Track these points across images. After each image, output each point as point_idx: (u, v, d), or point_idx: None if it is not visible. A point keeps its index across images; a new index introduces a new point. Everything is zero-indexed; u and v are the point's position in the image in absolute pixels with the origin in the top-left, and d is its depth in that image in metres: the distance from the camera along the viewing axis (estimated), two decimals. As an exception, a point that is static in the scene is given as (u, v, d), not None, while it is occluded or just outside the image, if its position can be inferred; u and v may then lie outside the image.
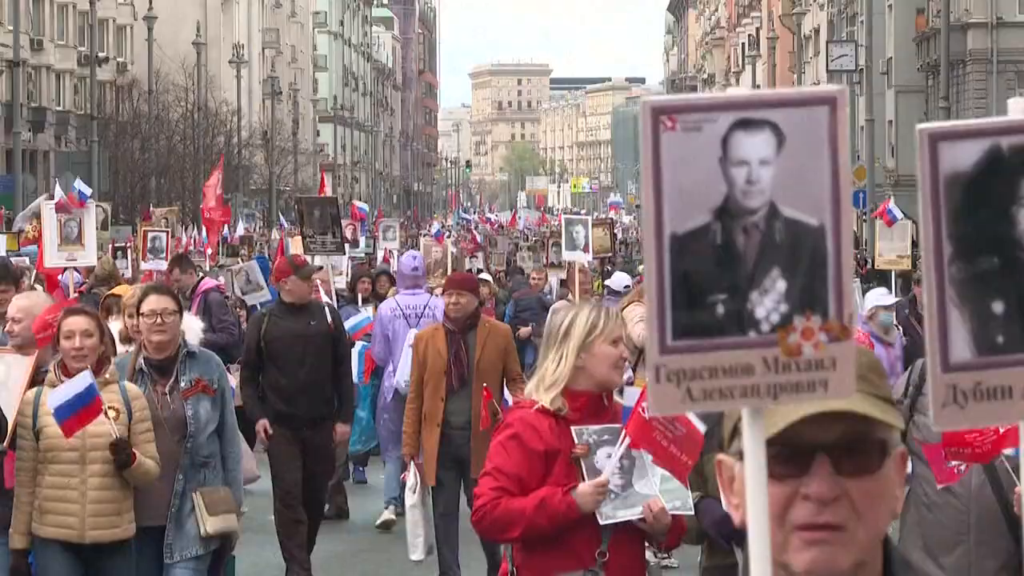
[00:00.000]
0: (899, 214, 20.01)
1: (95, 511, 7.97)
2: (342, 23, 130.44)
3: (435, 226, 47.88)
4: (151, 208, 32.91)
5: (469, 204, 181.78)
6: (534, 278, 22.57)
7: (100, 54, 64.17)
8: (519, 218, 78.21)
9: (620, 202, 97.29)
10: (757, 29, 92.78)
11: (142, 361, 8.61)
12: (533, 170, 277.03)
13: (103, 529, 8.00)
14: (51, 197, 16.60)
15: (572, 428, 5.78)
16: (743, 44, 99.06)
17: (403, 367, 12.98)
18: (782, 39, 78.63)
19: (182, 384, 8.58)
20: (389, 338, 13.59)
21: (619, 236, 52.23)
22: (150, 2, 67.77)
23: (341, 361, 12.03)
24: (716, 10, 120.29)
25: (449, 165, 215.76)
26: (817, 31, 78.54)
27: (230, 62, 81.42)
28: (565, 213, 27.39)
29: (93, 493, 7.97)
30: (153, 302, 8.57)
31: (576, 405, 5.92)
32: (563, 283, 20.17)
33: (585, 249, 19.42)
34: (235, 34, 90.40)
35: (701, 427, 5.62)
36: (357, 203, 33.59)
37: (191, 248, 31.98)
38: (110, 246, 26.28)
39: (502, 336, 11.31)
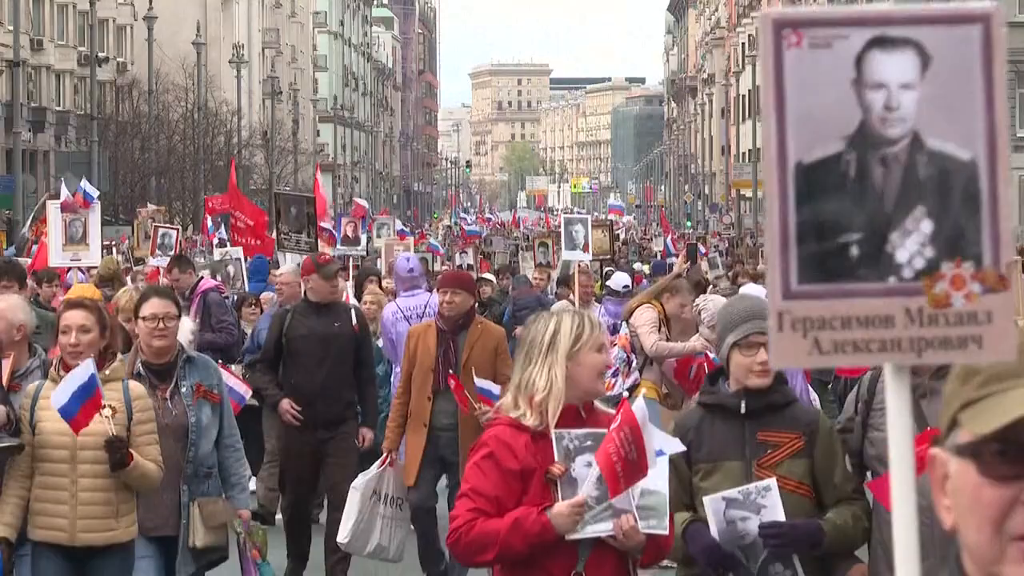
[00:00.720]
0: None
1: (86, 513, 7.55)
2: (342, 23, 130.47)
3: (442, 225, 47.64)
4: (139, 209, 31.84)
5: (469, 204, 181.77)
6: (536, 278, 22.09)
7: (100, 54, 64.19)
8: (519, 218, 78.26)
9: (620, 205, 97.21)
10: (757, 29, 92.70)
11: (139, 366, 8.28)
12: (533, 170, 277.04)
13: (96, 532, 7.57)
14: (53, 197, 16.64)
15: (553, 432, 5.49)
16: (743, 44, 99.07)
17: None
18: (782, 39, 78.56)
19: (183, 390, 8.28)
20: (394, 341, 13.58)
21: (621, 236, 52.20)
22: (150, 2, 67.79)
23: (365, 365, 11.72)
24: (716, 10, 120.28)
25: (449, 165, 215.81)
26: (817, 31, 78.55)
27: (230, 62, 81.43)
28: (565, 213, 27.08)
29: (85, 495, 7.54)
30: (154, 306, 8.26)
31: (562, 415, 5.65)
32: (560, 283, 20.01)
33: (585, 249, 19.37)
34: (235, 34, 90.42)
35: (657, 458, 5.39)
36: (359, 199, 32.95)
37: (196, 248, 31.91)
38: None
39: (494, 338, 11.09)
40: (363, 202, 30.61)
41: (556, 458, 5.46)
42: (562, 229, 20.00)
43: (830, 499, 5.95)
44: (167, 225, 21.42)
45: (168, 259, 18.35)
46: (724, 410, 5.97)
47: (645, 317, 12.46)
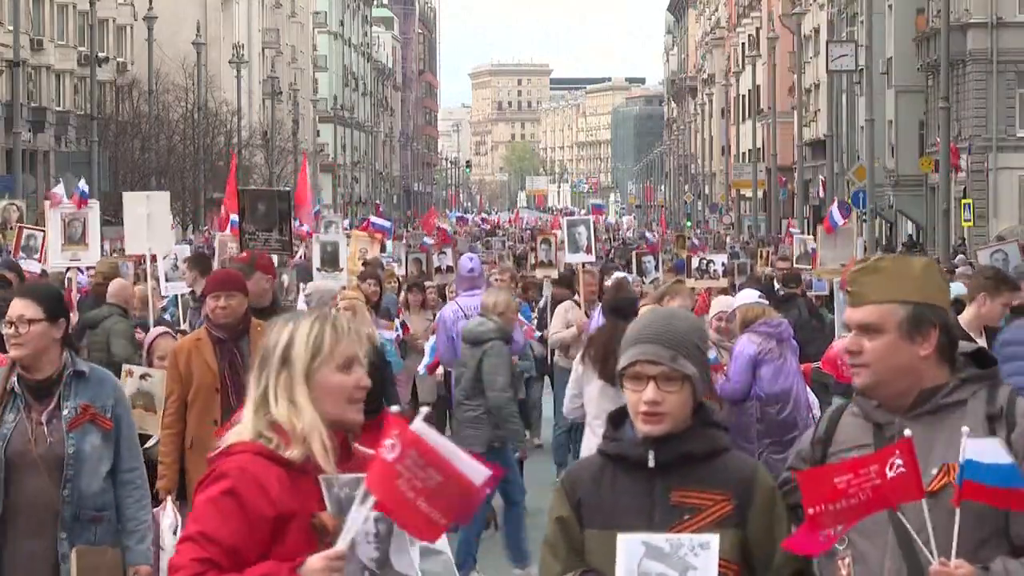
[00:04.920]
0: (839, 219, 18.66)
1: None
2: (342, 23, 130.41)
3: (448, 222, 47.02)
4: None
5: (469, 204, 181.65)
6: (498, 280, 20.13)
7: (100, 54, 64.15)
8: (521, 218, 78.34)
9: (602, 204, 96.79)
10: (757, 29, 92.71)
11: (15, 381, 6.77)
12: (533, 170, 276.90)
13: None
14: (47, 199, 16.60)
15: (321, 479, 4.28)
16: (743, 44, 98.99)
17: None
18: (782, 39, 78.59)
19: (64, 412, 6.72)
20: (454, 340, 13.64)
21: (621, 236, 52.17)
22: (150, 2, 67.75)
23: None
24: (716, 10, 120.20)
25: (449, 165, 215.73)
26: (817, 31, 78.50)
27: (230, 62, 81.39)
28: (566, 215, 26.72)
29: None
30: (13, 308, 6.76)
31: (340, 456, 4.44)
32: (555, 283, 19.82)
33: (588, 251, 19.29)
34: (235, 34, 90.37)
35: (478, 473, 4.19)
36: (371, 219, 32.39)
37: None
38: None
39: None
40: (381, 208, 29.62)
41: (328, 511, 4.30)
42: (565, 231, 19.88)
43: None
44: (32, 227, 19.65)
45: (32, 262, 16.74)
46: (628, 462, 4.54)
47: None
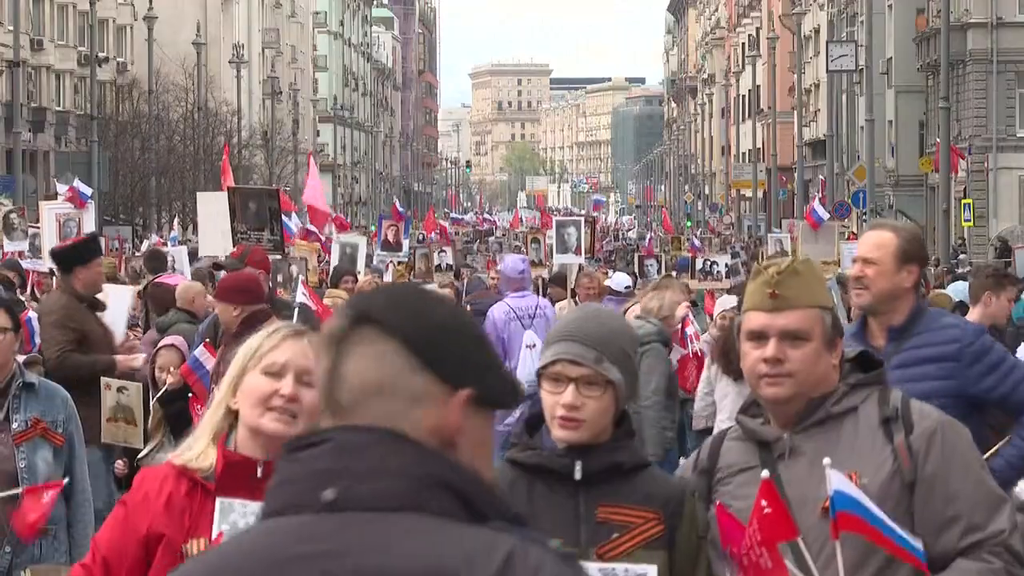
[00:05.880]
0: (824, 215, 18.75)
1: None
2: (342, 23, 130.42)
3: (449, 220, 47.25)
4: None
5: (469, 204, 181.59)
6: (492, 278, 20.30)
7: (100, 54, 64.14)
8: (521, 218, 78.23)
9: (602, 200, 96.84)
10: (757, 29, 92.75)
11: None
12: (533, 170, 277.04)
13: None
14: (49, 198, 16.58)
15: (218, 501, 3.92)
16: (743, 44, 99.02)
17: (522, 368, 13.05)
18: (782, 39, 78.60)
19: (14, 425, 6.45)
20: (504, 340, 13.64)
21: (623, 237, 52.19)
22: (150, 2, 67.74)
23: None
24: (716, 10, 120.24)
25: (449, 165, 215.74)
26: (817, 31, 78.51)
27: (230, 62, 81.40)
28: (557, 214, 26.36)
29: None
30: None
31: (227, 471, 4.09)
32: (553, 282, 19.69)
33: (577, 251, 19.07)
34: (235, 34, 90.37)
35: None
36: (396, 202, 32.02)
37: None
38: None
39: None
40: (399, 204, 29.45)
41: (214, 534, 3.88)
42: (554, 231, 19.60)
43: None
44: (32, 224, 19.23)
45: (39, 261, 16.31)
46: (549, 474, 4.07)
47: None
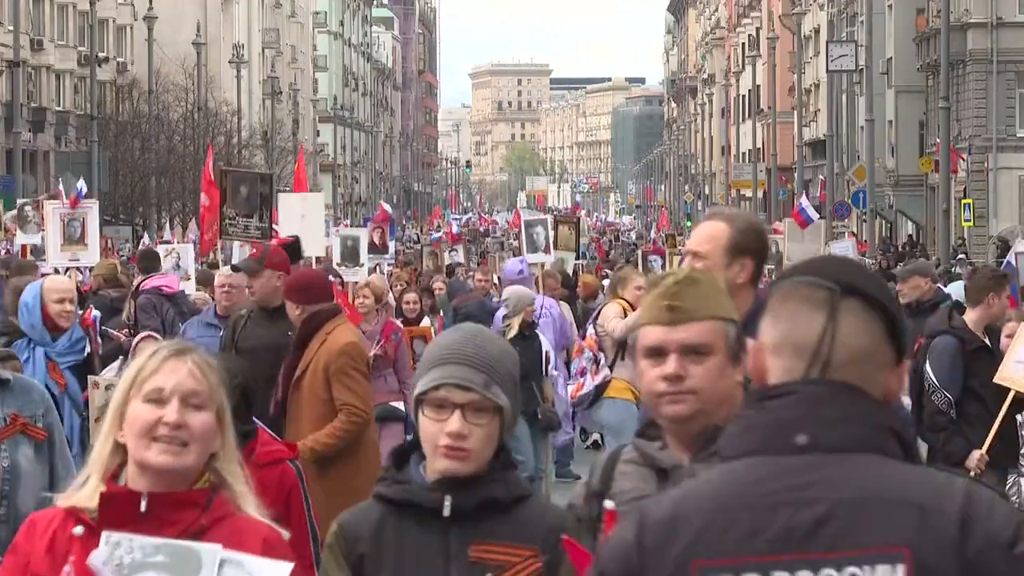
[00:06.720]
0: (813, 214, 18.62)
1: None
2: (342, 23, 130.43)
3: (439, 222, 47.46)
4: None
5: (469, 204, 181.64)
6: (479, 280, 20.08)
7: (100, 54, 64.16)
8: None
9: (578, 200, 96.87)
10: (757, 29, 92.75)
11: None
12: (533, 170, 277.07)
13: None
14: (51, 198, 16.59)
15: (104, 535, 3.38)
16: (743, 44, 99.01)
17: None
18: (782, 39, 78.59)
19: None
20: None
21: (623, 235, 52.21)
22: (150, 2, 67.75)
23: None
24: (716, 10, 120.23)
25: (449, 165, 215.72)
26: (817, 31, 78.52)
27: (230, 62, 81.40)
28: (524, 215, 26.27)
29: None
30: None
31: (106, 506, 3.66)
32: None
33: (546, 250, 19.21)
34: (235, 34, 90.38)
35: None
36: (384, 204, 32.13)
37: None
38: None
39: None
40: (387, 206, 29.56)
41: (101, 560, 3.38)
42: (522, 232, 19.68)
43: None
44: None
45: (42, 262, 16.09)
46: (417, 510, 3.81)
47: (608, 312, 12.69)
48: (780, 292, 2.78)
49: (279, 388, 8.56)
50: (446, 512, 3.75)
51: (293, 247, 10.59)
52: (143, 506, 3.59)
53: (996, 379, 9.41)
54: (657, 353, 3.73)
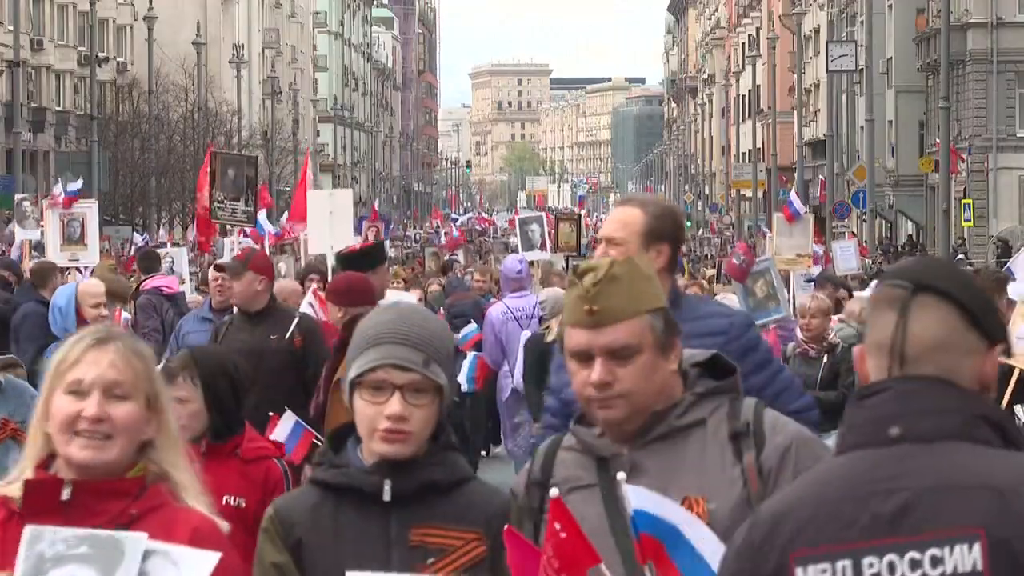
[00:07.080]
0: (801, 208, 18.75)
1: None
2: (342, 23, 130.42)
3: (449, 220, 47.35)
4: None
5: (469, 204, 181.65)
6: (477, 280, 19.66)
7: (100, 54, 64.15)
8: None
9: (582, 195, 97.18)
10: (757, 29, 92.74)
11: None
12: (533, 170, 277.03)
13: None
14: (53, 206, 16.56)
15: (26, 528, 3.22)
16: (743, 44, 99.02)
17: (519, 367, 13.20)
18: (782, 39, 78.60)
19: None
20: (503, 341, 13.74)
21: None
22: (150, 2, 67.75)
23: (308, 387, 8.83)
24: (716, 10, 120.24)
25: (449, 165, 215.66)
26: (817, 31, 78.52)
27: (230, 62, 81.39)
28: (520, 214, 26.34)
29: None
30: None
31: (29, 494, 3.53)
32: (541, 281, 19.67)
33: (542, 247, 19.31)
34: (235, 34, 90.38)
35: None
36: (375, 204, 32.18)
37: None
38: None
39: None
40: (376, 206, 29.49)
41: (17, 570, 3.19)
42: (518, 230, 19.85)
43: None
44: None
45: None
46: (356, 494, 3.71)
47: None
48: (871, 296, 2.97)
49: (320, 391, 8.41)
50: (386, 496, 3.66)
51: (377, 251, 10.58)
52: (65, 494, 3.45)
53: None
54: (583, 357, 3.58)
